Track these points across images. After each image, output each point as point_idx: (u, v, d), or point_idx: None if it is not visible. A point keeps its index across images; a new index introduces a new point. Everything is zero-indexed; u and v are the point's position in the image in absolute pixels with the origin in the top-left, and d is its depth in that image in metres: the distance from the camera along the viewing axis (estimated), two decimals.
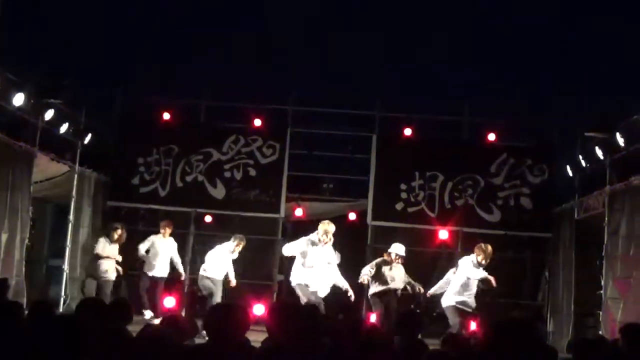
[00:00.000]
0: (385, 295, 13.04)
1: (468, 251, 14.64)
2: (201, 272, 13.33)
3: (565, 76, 15.00)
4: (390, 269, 13.10)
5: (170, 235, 14.27)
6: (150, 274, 14.05)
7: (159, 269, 14.08)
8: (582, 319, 13.74)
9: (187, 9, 14.90)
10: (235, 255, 13.51)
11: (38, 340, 4.79)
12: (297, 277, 12.01)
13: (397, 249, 13.11)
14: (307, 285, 11.84)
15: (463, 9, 15.40)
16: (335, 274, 12.36)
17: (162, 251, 14.07)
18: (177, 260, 14.28)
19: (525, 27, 14.87)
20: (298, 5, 15.45)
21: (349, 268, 14.72)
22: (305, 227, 15.56)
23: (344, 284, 12.41)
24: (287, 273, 13.57)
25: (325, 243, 12.04)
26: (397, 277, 13.08)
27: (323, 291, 12.09)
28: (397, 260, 13.08)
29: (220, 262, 13.29)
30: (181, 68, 15.16)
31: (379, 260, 13.31)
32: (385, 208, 15.53)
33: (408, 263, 13.68)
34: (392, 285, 13.03)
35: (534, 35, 15.20)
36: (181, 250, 14.99)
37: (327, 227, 12.08)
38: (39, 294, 14.01)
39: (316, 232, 12.17)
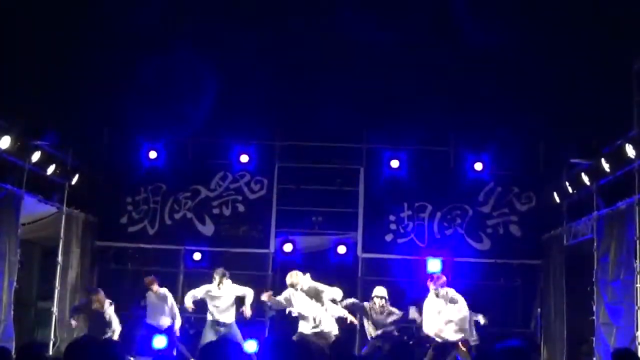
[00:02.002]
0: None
1: (456, 280, 14.70)
2: (229, 321, 12.97)
3: (549, 104, 15.14)
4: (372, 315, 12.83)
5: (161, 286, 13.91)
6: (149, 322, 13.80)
7: (157, 321, 13.75)
8: (576, 346, 13.70)
9: (171, 47, 14.99)
10: (226, 291, 13.16)
11: None
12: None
13: (376, 291, 12.91)
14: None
15: (442, 38, 15.59)
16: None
17: (154, 305, 13.78)
18: (174, 311, 13.80)
19: (507, 53, 15.05)
20: (283, 39, 15.58)
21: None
22: (295, 261, 15.55)
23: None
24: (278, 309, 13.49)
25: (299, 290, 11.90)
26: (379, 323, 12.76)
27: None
28: (378, 304, 12.74)
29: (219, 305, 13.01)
30: (167, 107, 15.21)
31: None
32: (374, 240, 15.57)
33: (400, 294, 13.65)
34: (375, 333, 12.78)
35: (518, 62, 15.37)
36: (171, 289, 14.89)
37: (292, 280, 11.94)
38: (28, 337, 13.85)
39: None
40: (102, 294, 13.47)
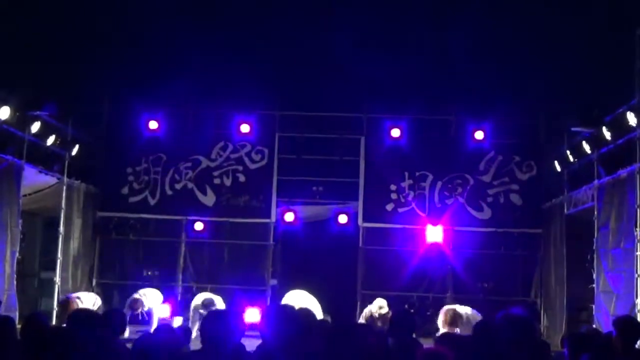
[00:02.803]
0: None
1: (457, 249, 14.74)
2: None
3: (550, 72, 15.04)
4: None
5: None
6: None
7: None
8: (576, 313, 13.79)
9: (171, 17, 14.86)
10: None
11: (31, 354, 4.78)
12: None
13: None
14: None
15: (447, 9, 15.45)
16: None
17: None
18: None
19: (510, 24, 14.94)
20: (283, 9, 15.44)
21: (341, 271, 14.75)
22: (296, 231, 15.61)
23: None
24: (279, 277, 13.58)
25: None
26: None
27: None
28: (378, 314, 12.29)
29: None
30: (167, 76, 15.11)
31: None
32: (375, 209, 15.57)
33: (402, 263, 13.65)
34: None
35: (519, 32, 15.26)
36: (173, 259, 15.02)
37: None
38: (31, 307, 13.95)
39: None
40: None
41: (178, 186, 15.85)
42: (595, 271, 12.18)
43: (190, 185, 15.83)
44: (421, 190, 15.65)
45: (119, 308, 12.35)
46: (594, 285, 12.23)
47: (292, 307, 4.59)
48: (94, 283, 15.62)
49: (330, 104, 15.93)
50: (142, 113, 15.89)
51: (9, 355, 4.98)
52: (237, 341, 4.41)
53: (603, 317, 11.52)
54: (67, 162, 14.34)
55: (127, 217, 15.81)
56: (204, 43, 15.21)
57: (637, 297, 10.41)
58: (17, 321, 8.48)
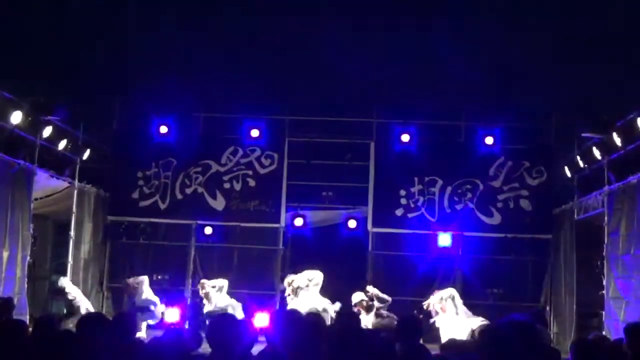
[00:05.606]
0: None
1: (467, 255, 14.72)
2: None
3: (559, 78, 15.02)
4: None
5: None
6: None
7: None
8: (585, 320, 13.74)
9: (182, 23, 14.95)
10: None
11: (42, 357, 4.82)
12: None
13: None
14: None
15: (458, 14, 15.46)
16: None
17: None
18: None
19: (520, 30, 14.93)
20: (292, 13, 15.49)
21: (351, 275, 14.73)
22: (306, 236, 15.62)
23: None
24: None
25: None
26: None
27: None
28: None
29: None
30: (178, 82, 15.19)
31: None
32: (385, 214, 15.56)
33: (411, 268, 13.67)
34: None
35: (530, 37, 15.25)
36: (182, 263, 15.08)
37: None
38: (42, 310, 14.03)
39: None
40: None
41: (188, 191, 15.90)
42: (605, 277, 12.16)
43: (200, 189, 15.88)
44: (431, 196, 15.64)
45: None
46: (604, 292, 12.19)
47: (299, 312, 4.60)
48: (104, 287, 15.69)
49: (340, 108, 15.95)
50: (152, 118, 15.95)
51: (20, 357, 5.01)
52: (246, 346, 4.43)
53: (613, 323, 11.48)
54: (78, 166, 14.45)
55: (137, 221, 15.86)
56: (215, 48, 15.28)
57: None
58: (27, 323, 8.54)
